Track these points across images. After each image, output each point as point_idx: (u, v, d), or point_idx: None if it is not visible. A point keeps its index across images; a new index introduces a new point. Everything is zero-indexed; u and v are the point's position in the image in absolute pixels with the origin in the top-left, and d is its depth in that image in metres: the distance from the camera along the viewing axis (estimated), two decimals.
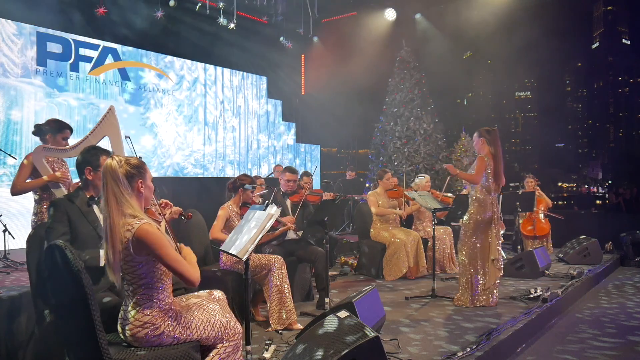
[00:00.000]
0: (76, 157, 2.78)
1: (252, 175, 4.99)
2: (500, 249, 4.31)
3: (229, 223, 3.80)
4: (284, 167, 8.37)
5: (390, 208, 5.70)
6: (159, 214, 2.37)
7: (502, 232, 7.13)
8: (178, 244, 2.20)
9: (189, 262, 2.10)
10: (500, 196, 6.85)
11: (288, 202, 4.67)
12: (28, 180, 3.59)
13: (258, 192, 4.83)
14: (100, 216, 2.66)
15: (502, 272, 4.34)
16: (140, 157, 2.33)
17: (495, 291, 4.24)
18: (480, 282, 4.19)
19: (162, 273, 2.05)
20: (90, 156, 2.71)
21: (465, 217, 4.32)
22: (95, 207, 2.67)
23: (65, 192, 3.60)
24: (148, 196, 2.15)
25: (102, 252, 2.55)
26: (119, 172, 2.01)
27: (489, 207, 4.20)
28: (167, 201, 2.59)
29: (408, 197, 5.77)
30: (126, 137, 3.38)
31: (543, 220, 7.24)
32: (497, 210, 4.27)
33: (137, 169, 2.08)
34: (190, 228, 3.90)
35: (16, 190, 3.58)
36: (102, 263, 2.51)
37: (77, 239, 2.56)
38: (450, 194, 6.31)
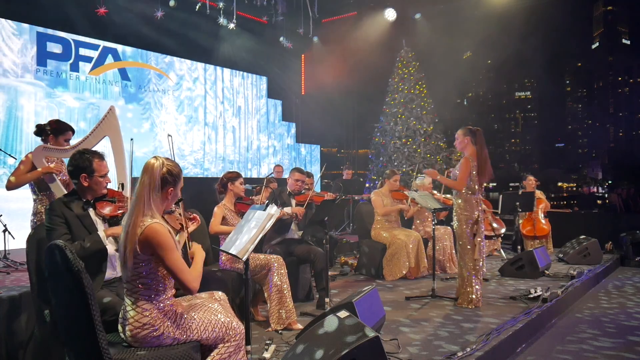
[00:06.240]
0: (68, 162, 2.66)
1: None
2: (484, 249, 4.31)
3: (225, 222, 3.80)
4: (283, 167, 8.42)
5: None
6: (182, 225, 2.39)
7: (502, 231, 7.20)
8: (189, 249, 2.27)
9: (194, 271, 2.11)
10: (501, 196, 6.85)
11: (293, 202, 4.67)
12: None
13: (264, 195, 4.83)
14: (96, 219, 2.65)
15: (483, 272, 4.33)
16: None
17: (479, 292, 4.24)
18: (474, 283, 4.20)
19: (163, 275, 2.05)
20: (82, 161, 2.60)
21: (455, 224, 4.30)
22: (91, 211, 2.65)
23: (63, 189, 3.60)
24: (171, 202, 2.18)
25: (100, 233, 2.56)
26: (157, 173, 2.04)
27: (475, 207, 4.19)
28: (196, 216, 2.60)
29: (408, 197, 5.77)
30: (169, 135, 3.25)
31: (543, 221, 7.23)
32: (480, 211, 4.26)
33: (173, 177, 2.10)
34: None
35: (11, 185, 3.56)
36: (106, 244, 2.54)
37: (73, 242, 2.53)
38: (449, 196, 6.30)
